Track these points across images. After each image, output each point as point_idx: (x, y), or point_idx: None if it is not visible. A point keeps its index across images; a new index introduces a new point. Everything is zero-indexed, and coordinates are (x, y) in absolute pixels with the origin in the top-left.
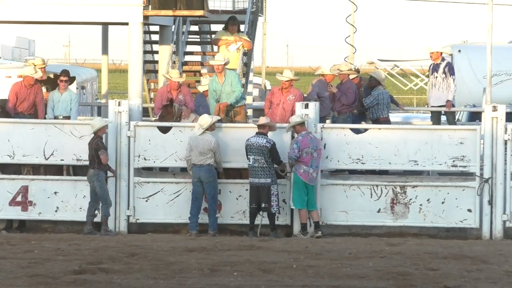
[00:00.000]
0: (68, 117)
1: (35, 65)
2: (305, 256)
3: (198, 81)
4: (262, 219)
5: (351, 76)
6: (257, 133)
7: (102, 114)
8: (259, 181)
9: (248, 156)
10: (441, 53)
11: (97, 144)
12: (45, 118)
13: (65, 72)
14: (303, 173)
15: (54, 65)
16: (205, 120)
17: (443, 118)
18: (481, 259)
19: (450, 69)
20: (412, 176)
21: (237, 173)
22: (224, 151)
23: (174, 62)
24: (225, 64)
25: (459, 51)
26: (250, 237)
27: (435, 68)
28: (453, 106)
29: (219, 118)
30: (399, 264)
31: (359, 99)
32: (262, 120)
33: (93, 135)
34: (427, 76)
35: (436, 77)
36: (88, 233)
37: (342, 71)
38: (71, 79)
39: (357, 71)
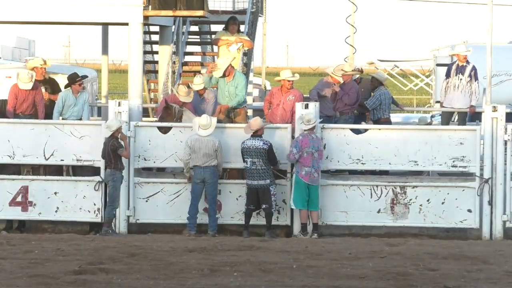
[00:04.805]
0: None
1: (34, 67)
2: (305, 256)
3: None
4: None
5: (354, 78)
6: (252, 136)
7: (102, 114)
8: (258, 183)
9: (245, 159)
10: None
11: (114, 145)
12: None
13: (82, 77)
14: (305, 175)
15: (54, 65)
16: (206, 121)
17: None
18: (481, 259)
19: (476, 74)
20: (412, 176)
21: (239, 174)
22: (224, 151)
23: (174, 63)
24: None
25: None
26: (244, 236)
27: (460, 70)
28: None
29: (216, 118)
30: (399, 264)
31: (361, 101)
32: (255, 125)
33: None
34: (427, 76)
35: (461, 79)
36: (105, 234)
37: (347, 72)
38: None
39: (361, 71)
